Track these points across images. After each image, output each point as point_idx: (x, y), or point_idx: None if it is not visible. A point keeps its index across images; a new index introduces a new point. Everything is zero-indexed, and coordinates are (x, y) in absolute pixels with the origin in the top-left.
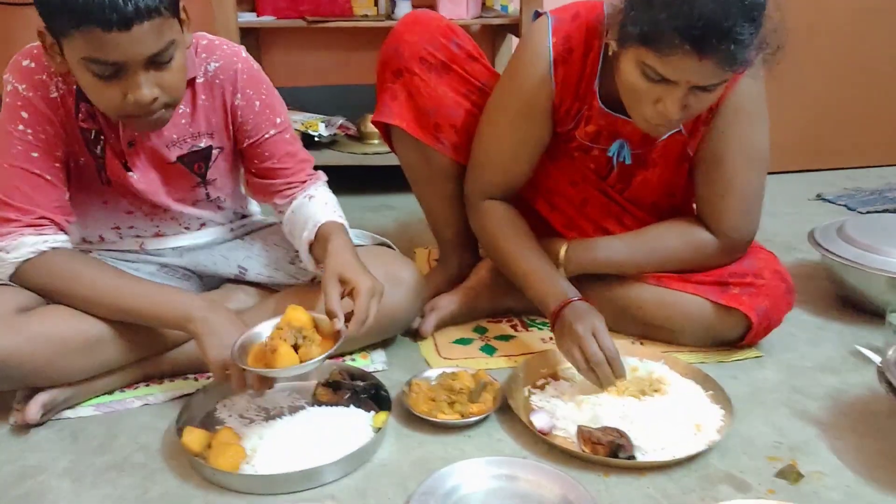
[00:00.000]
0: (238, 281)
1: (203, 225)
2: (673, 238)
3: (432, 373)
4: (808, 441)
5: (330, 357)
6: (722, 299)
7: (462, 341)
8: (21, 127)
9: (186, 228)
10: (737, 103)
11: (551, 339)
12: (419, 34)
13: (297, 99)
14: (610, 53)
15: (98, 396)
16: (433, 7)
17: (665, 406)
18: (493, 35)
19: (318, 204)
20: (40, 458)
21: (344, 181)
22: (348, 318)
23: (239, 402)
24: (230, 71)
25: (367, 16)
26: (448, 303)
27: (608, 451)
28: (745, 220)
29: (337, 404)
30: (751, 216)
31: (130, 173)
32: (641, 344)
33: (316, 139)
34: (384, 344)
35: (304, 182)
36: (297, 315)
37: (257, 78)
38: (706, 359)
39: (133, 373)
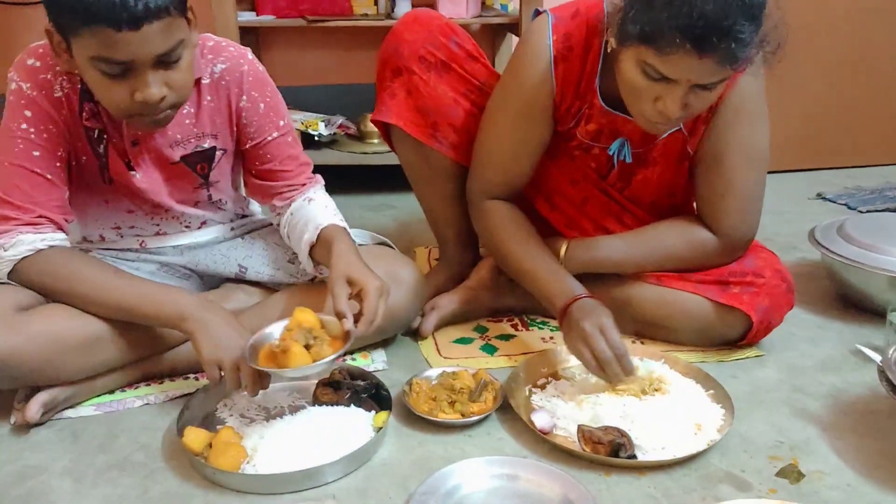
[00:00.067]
0: (238, 280)
1: (204, 223)
2: (673, 237)
3: (433, 372)
4: (809, 440)
5: (340, 357)
6: (722, 298)
7: (462, 341)
8: (24, 126)
9: (187, 227)
10: (737, 102)
11: (552, 338)
12: (419, 33)
13: (296, 98)
14: (609, 51)
15: (98, 396)
16: (433, 6)
17: (665, 405)
18: (492, 34)
19: (318, 207)
20: (41, 457)
21: (344, 180)
22: (355, 318)
23: (239, 402)
24: (236, 73)
25: (366, 15)
26: (448, 302)
27: (609, 451)
28: (745, 220)
29: (337, 404)
30: (751, 215)
31: (133, 172)
32: (642, 343)
33: (316, 138)
34: (384, 343)
35: (304, 185)
36: (306, 316)
37: (263, 80)
38: (706, 358)
39: (133, 372)
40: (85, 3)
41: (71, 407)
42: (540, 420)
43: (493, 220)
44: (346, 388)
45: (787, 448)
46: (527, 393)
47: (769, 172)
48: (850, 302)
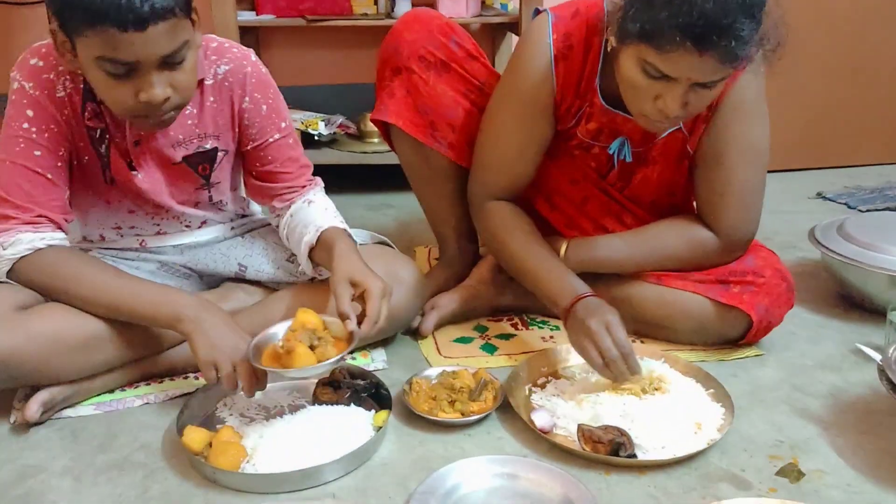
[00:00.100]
0: (238, 279)
1: (204, 223)
2: (673, 236)
3: (433, 371)
4: (809, 439)
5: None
6: (722, 298)
7: (462, 340)
8: (26, 125)
9: (187, 227)
10: (737, 101)
11: (552, 337)
12: (418, 32)
13: (296, 97)
14: (610, 50)
15: (98, 395)
16: (433, 5)
17: (666, 404)
18: (492, 34)
19: (318, 209)
20: (41, 457)
21: (344, 180)
22: (358, 319)
23: (239, 402)
24: (240, 74)
25: (366, 14)
26: (448, 301)
27: (609, 450)
28: (744, 219)
29: (337, 403)
30: (751, 214)
31: (134, 172)
32: (642, 342)
33: (316, 138)
34: (384, 343)
35: (304, 187)
36: (309, 317)
37: (265, 82)
38: (707, 357)
39: (133, 372)
40: (91, 4)
41: (70, 406)
42: (540, 419)
43: (495, 221)
44: (345, 387)
45: (788, 447)
46: (527, 392)
47: (769, 172)
48: (850, 301)
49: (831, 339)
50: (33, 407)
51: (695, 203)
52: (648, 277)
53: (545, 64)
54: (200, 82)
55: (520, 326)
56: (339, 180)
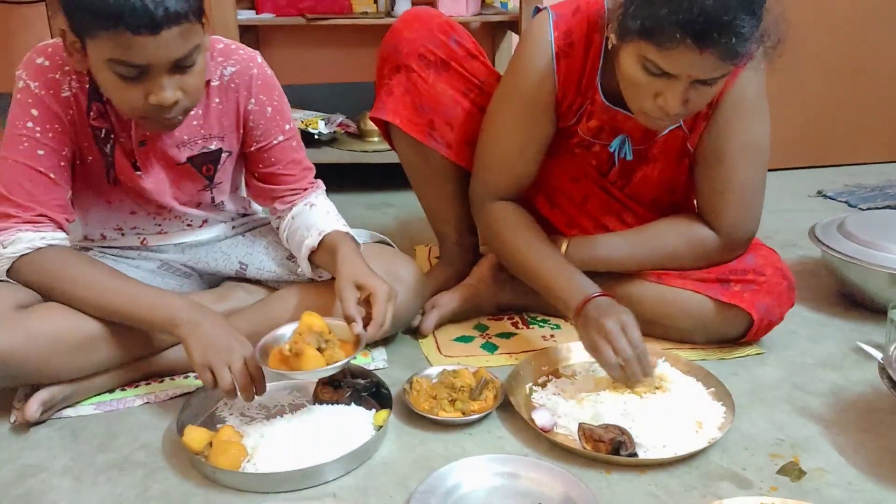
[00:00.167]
0: (238, 278)
1: (205, 222)
2: (673, 235)
3: (433, 370)
4: (810, 438)
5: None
6: (723, 296)
7: (463, 339)
8: (30, 124)
9: (189, 226)
10: (737, 98)
11: (552, 336)
12: (418, 31)
13: (296, 96)
14: (610, 47)
15: (98, 395)
16: (433, 4)
17: (666, 403)
18: (492, 32)
19: (320, 212)
20: (41, 456)
21: (344, 179)
22: (364, 322)
23: (239, 401)
24: (246, 76)
25: (366, 13)
26: (449, 300)
27: (610, 449)
28: (745, 217)
29: (338, 402)
30: (751, 212)
31: (139, 173)
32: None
33: (316, 137)
34: (385, 342)
35: (306, 190)
36: (314, 320)
37: (271, 84)
38: (707, 356)
39: (133, 371)
40: (107, 7)
41: (70, 406)
42: (540, 418)
43: (499, 221)
44: (346, 386)
45: (788, 446)
46: (527, 391)
47: (770, 170)
48: (850, 299)
49: (832, 337)
50: (33, 406)
51: (695, 201)
52: (649, 276)
53: (546, 61)
54: (206, 83)
55: (520, 325)
56: (339, 179)
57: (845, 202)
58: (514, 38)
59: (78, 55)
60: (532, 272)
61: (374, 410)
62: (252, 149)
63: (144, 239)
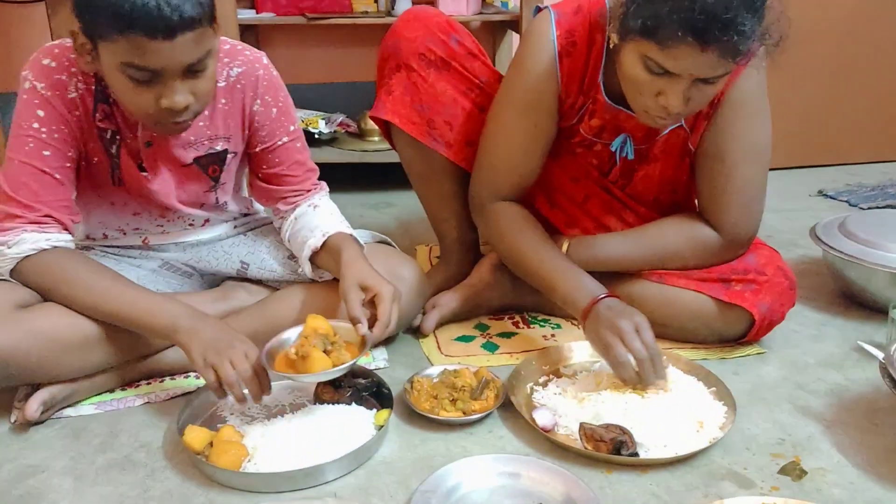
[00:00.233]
0: (239, 278)
1: (207, 221)
2: (674, 235)
3: (434, 370)
4: (811, 437)
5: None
6: (724, 296)
7: (464, 338)
8: (36, 125)
9: (191, 225)
10: (738, 98)
11: (553, 336)
12: (418, 30)
13: (297, 96)
14: (611, 46)
15: (99, 394)
16: (433, 3)
17: (667, 403)
18: (493, 32)
19: (323, 214)
20: (41, 456)
21: (344, 178)
22: (369, 323)
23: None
24: (252, 77)
25: (366, 12)
26: (449, 300)
27: (611, 449)
28: (746, 216)
29: (339, 402)
30: (752, 212)
31: (145, 174)
32: None
33: (316, 136)
34: (386, 341)
35: (310, 191)
36: (319, 323)
37: (276, 85)
38: (708, 355)
39: (134, 371)
40: (122, 11)
41: (71, 405)
42: (541, 418)
43: (503, 222)
44: (347, 386)
45: (790, 445)
46: (528, 391)
47: (770, 169)
48: (851, 299)
49: (833, 336)
50: (34, 406)
51: (696, 201)
52: (650, 276)
53: (549, 61)
54: None
55: (521, 325)
56: (339, 178)
57: (846, 201)
58: (515, 37)
59: (88, 57)
60: (536, 273)
61: (374, 410)
62: (257, 149)
63: (146, 238)
